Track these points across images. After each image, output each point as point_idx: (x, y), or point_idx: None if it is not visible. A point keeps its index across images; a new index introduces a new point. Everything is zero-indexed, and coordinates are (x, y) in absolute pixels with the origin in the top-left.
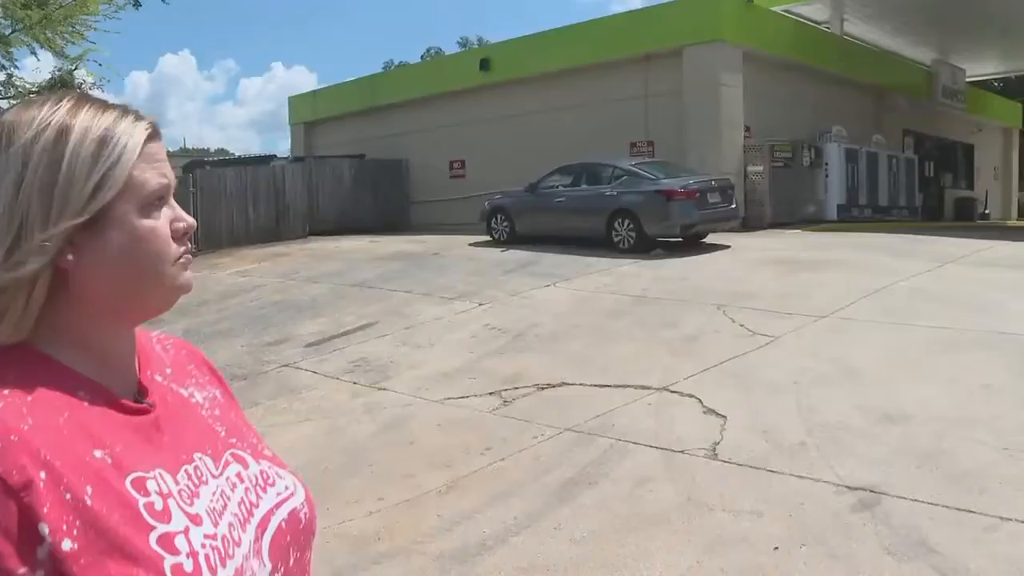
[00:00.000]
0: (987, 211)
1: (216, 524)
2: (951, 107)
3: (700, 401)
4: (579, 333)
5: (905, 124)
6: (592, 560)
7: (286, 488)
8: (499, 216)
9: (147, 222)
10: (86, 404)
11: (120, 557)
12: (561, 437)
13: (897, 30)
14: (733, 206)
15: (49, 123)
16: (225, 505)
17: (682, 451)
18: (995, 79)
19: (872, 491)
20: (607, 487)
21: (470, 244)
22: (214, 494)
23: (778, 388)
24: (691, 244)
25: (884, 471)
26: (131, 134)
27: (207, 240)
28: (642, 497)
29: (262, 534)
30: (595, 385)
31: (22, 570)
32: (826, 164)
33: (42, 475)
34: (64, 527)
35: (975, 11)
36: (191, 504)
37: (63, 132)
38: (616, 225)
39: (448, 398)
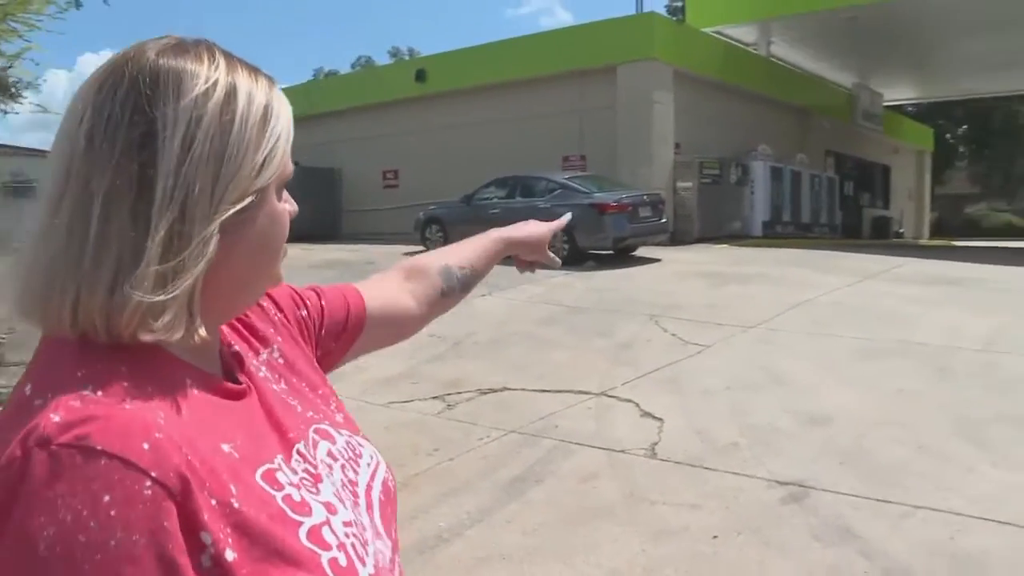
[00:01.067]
0: (902, 230)
1: (344, 509)
2: (870, 129)
3: (638, 405)
4: (516, 340)
5: (827, 144)
6: (544, 550)
7: (372, 457)
8: (433, 226)
9: (281, 205)
10: (195, 392)
11: (280, 561)
12: (506, 438)
13: (820, 54)
14: (663, 220)
15: (217, 79)
16: (339, 487)
17: (623, 451)
18: (910, 104)
19: (800, 485)
20: (554, 483)
21: (404, 253)
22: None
23: (711, 393)
24: (622, 257)
25: (811, 468)
26: (285, 107)
27: None
28: (587, 492)
29: (372, 512)
30: (535, 390)
31: None
32: (752, 181)
33: (190, 477)
34: (221, 535)
35: (890, 40)
36: (317, 492)
37: (231, 94)
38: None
39: (392, 402)
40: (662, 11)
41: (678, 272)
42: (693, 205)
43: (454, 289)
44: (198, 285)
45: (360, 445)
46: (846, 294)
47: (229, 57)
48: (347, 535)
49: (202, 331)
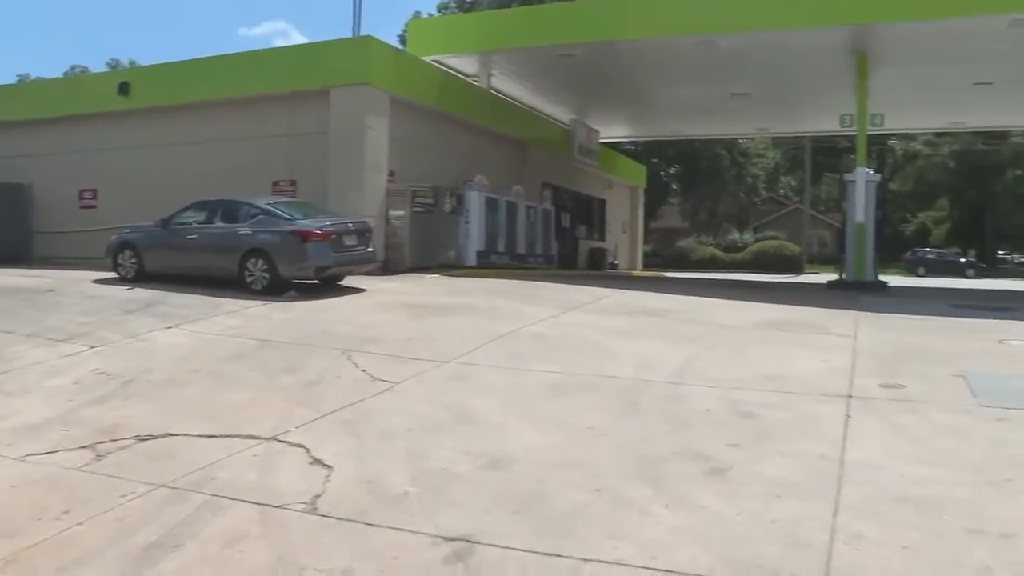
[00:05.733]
0: (616, 261)
1: None
2: (586, 164)
3: (308, 451)
4: (196, 379)
5: (544, 177)
6: None
7: None
8: (126, 252)
9: None
10: None
11: None
12: (154, 494)
13: (539, 89)
14: (370, 249)
15: None
16: None
17: (280, 506)
18: (628, 141)
19: (467, 540)
20: (194, 549)
21: (94, 281)
22: None
23: (390, 435)
24: (327, 286)
25: (481, 519)
26: None
27: None
28: (230, 558)
29: None
30: (202, 436)
31: None
32: (467, 211)
33: None
34: None
35: (605, 80)
36: None
37: None
38: (249, 265)
39: (31, 454)
40: (393, 40)
41: (381, 303)
42: (405, 234)
43: None
44: None
45: None
46: (548, 325)
47: None
48: None
49: None
